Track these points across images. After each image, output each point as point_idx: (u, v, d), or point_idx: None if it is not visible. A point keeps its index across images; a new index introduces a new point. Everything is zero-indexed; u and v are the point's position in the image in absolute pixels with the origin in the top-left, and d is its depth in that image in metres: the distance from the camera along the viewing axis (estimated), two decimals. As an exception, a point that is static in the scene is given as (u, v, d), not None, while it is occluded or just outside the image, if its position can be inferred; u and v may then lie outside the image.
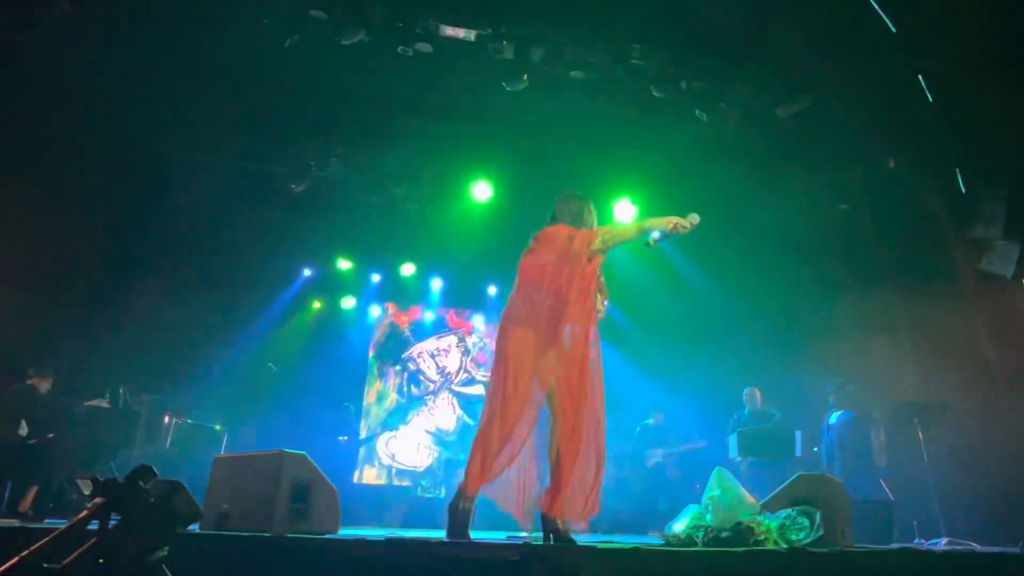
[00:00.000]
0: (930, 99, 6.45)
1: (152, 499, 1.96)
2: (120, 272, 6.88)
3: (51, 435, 4.78)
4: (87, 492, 2.14)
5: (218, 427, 6.29)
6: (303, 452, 3.36)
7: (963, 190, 6.27)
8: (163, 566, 1.98)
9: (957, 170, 6.33)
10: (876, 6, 6.38)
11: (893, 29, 6.34)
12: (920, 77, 6.49)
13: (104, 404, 5.29)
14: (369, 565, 2.31)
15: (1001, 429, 5.30)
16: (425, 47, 6.08)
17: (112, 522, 1.85)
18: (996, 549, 3.79)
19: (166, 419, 5.72)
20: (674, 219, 2.92)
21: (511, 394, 2.85)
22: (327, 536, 2.92)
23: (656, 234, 2.97)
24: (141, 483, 1.97)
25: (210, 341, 7.39)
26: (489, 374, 3.16)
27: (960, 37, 5.92)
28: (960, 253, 6.12)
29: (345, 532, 3.34)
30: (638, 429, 7.27)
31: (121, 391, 5.42)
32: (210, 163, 7.31)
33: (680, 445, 7.04)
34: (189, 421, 5.98)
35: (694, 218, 2.95)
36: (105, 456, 5.11)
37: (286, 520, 3.05)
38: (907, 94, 6.44)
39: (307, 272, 8.72)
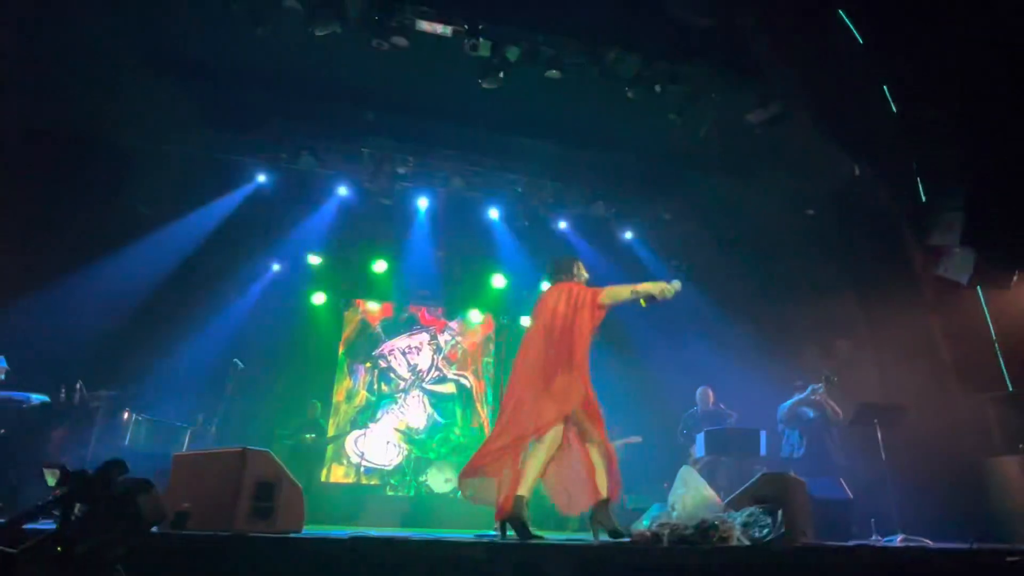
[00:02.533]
0: (894, 110, 6.66)
1: (120, 495, 1.91)
2: (78, 263, 6.64)
3: (2, 431, 4.60)
4: (52, 483, 2.07)
5: (181, 424, 6.12)
6: (267, 450, 3.30)
7: (923, 199, 6.49)
8: (119, 566, 1.92)
9: (918, 180, 6.55)
10: (845, 17, 6.56)
11: (861, 41, 6.53)
12: (885, 88, 6.70)
13: (60, 400, 5.11)
14: (333, 564, 2.28)
15: (955, 429, 5.50)
16: (401, 41, 6.01)
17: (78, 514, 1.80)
18: (948, 545, 3.92)
19: (125, 416, 5.54)
20: (662, 284, 3.50)
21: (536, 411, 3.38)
22: (291, 535, 2.86)
23: (647, 297, 3.52)
24: (111, 477, 1.91)
25: (174, 336, 7.18)
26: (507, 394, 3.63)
27: (923, 51, 6.13)
28: (919, 259, 6.33)
29: (310, 531, 3.29)
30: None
31: (78, 387, 5.24)
32: (176, 152, 7.11)
33: (616, 440, 7.13)
34: (150, 418, 5.80)
35: (677, 284, 3.52)
36: (59, 453, 4.93)
37: (248, 519, 2.98)
38: (872, 105, 6.65)
39: (276, 267, 8.55)
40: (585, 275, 3.89)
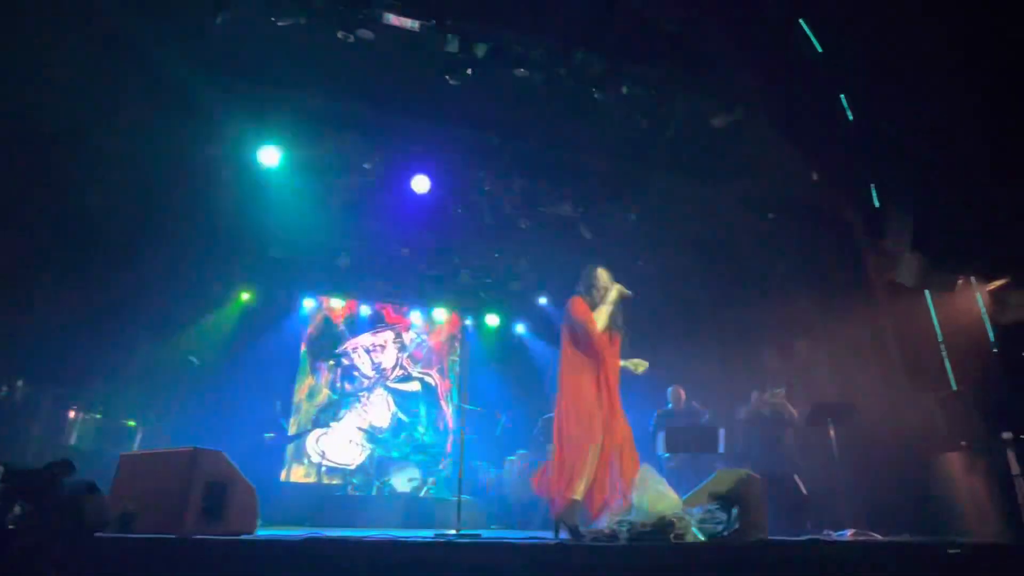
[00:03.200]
0: (851, 118, 6.88)
1: (64, 496, 1.84)
2: (24, 254, 6.32)
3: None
4: None
5: (132, 423, 5.90)
6: (220, 450, 3.20)
7: (877, 205, 6.73)
8: (53, 571, 1.84)
9: (872, 186, 6.79)
10: (805, 27, 6.74)
11: (819, 49, 6.72)
12: (842, 96, 6.91)
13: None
14: (284, 566, 2.21)
15: (903, 427, 5.70)
16: (367, 34, 5.91)
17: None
18: (893, 538, 4.07)
19: (71, 414, 5.31)
20: (619, 287, 4.00)
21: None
22: (241, 537, 2.78)
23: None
24: (56, 477, 1.84)
25: (126, 332, 6.90)
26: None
27: (879, 61, 6.34)
28: (872, 263, 6.56)
29: (263, 532, 3.20)
30: (539, 423, 7.39)
31: (19, 383, 5.00)
32: (128, 146, 6.82)
33: None
34: (98, 416, 5.57)
35: (625, 291, 4.00)
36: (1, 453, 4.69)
37: (198, 521, 2.89)
38: (831, 112, 6.85)
39: (236, 261, 8.31)
40: (599, 283, 4.03)
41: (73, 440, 5.35)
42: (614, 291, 3.98)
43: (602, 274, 4.09)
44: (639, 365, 4.01)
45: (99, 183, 6.57)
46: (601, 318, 3.87)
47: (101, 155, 6.48)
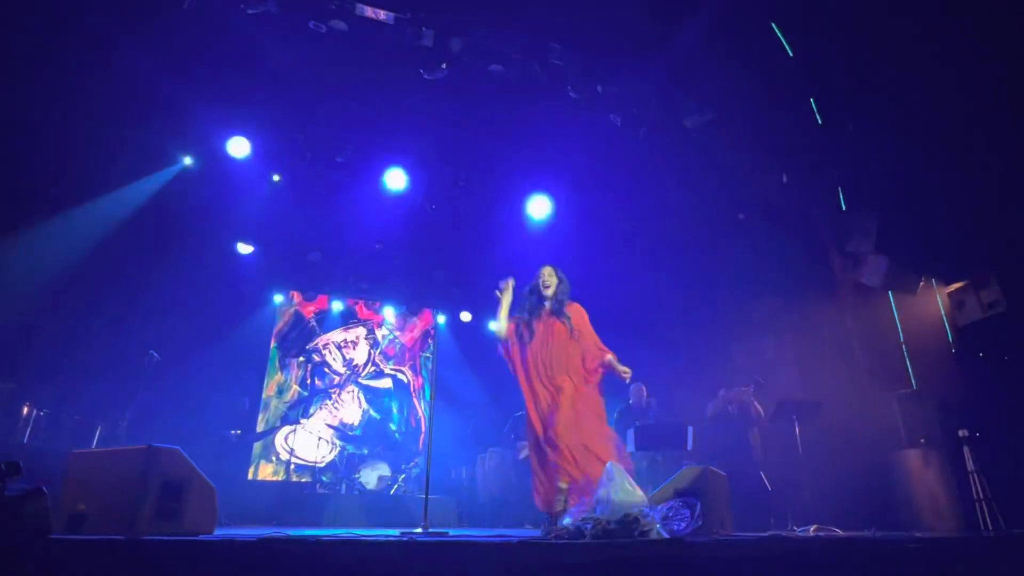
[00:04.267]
0: (819, 122, 7.01)
1: (7, 498, 1.76)
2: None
3: None
4: None
5: (89, 421, 5.70)
6: (182, 448, 3.11)
7: (843, 208, 6.88)
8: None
9: (839, 189, 6.93)
10: (777, 31, 6.85)
11: (791, 53, 6.83)
12: (812, 101, 7.04)
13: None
14: (239, 568, 2.15)
15: (865, 424, 5.84)
16: (340, 25, 5.82)
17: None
18: (854, 533, 4.15)
19: (25, 410, 5.11)
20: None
21: None
22: (198, 538, 2.70)
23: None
24: (2, 478, 1.75)
25: (85, 325, 6.67)
26: None
27: (848, 66, 6.47)
28: (838, 265, 6.70)
29: (223, 532, 3.12)
30: (510, 421, 7.39)
31: (-31, 379, 4.80)
32: (94, 128, 6.59)
33: None
34: (53, 413, 5.37)
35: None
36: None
37: (152, 521, 2.80)
38: (800, 116, 6.97)
39: (205, 256, 8.09)
40: (544, 282, 3.97)
41: (26, 438, 5.15)
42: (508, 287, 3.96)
43: (542, 272, 4.04)
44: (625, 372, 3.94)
45: (61, 175, 6.34)
46: (500, 317, 3.91)
47: (61, 144, 6.25)
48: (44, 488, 1.93)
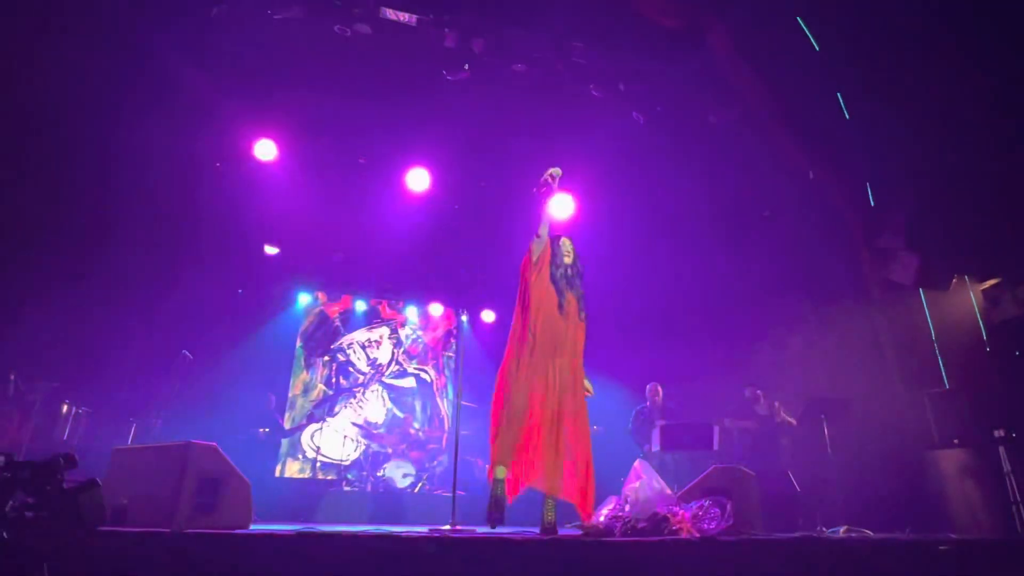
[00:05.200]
0: (847, 116, 6.89)
1: (64, 491, 1.83)
2: (16, 247, 6.27)
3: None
4: None
5: (125, 418, 5.86)
6: (214, 443, 3.19)
7: (872, 203, 6.75)
8: (44, 564, 1.84)
9: (867, 185, 6.81)
10: (803, 24, 6.75)
11: (816, 47, 6.72)
12: (839, 95, 6.92)
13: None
14: (277, 561, 2.21)
15: (896, 424, 5.73)
16: (364, 28, 5.89)
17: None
18: (887, 535, 4.09)
19: (64, 408, 5.28)
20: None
21: None
22: (235, 532, 2.77)
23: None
24: (57, 471, 1.82)
25: (120, 326, 6.86)
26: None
27: (875, 61, 6.35)
28: (868, 261, 6.58)
29: (257, 527, 3.19)
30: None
31: (12, 377, 4.97)
32: (127, 138, 6.77)
33: None
34: (91, 411, 5.54)
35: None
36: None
37: (191, 515, 2.88)
38: (827, 110, 6.86)
39: (233, 257, 8.25)
40: (565, 251, 3.82)
41: (66, 435, 5.32)
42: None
43: (565, 243, 3.88)
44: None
45: (98, 177, 6.53)
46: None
47: (95, 148, 6.43)
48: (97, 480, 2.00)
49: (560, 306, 3.61)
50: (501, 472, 3.29)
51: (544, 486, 3.32)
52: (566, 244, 3.86)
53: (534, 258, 3.71)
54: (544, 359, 3.48)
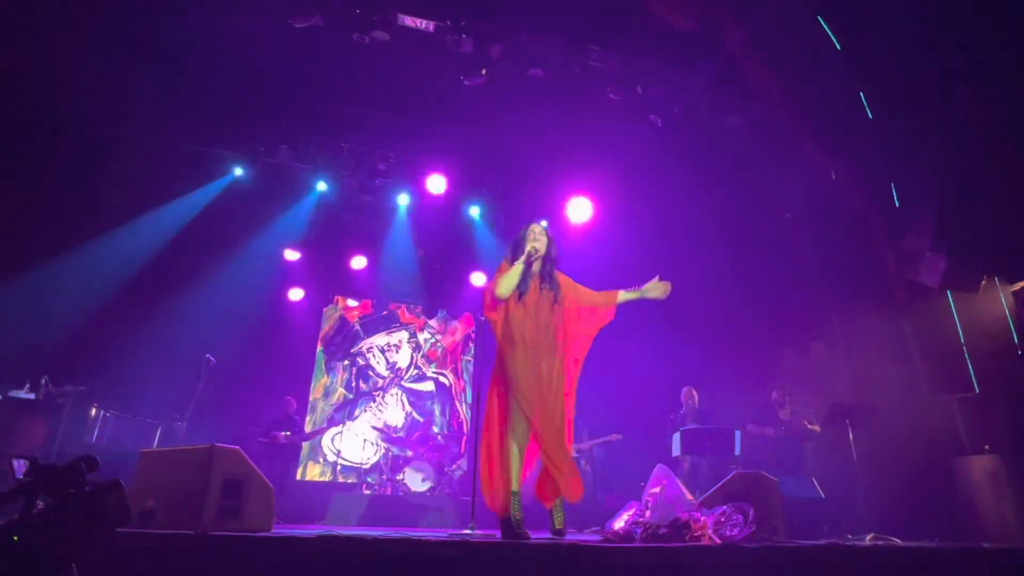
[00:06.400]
0: (870, 116, 6.77)
1: (88, 492, 1.86)
2: (46, 254, 6.45)
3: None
4: (21, 474, 2.01)
5: (151, 421, 5.99)
6: (237, 447, 3.23)
7: (896, 204, 6.61)
8: (73, 565, 1.87)
9: (892, 185, 6.67)
10: (824, 24, 6.65)
11: (838, 47, 6.63)
12: (861, 94, 6.81)
13: (24, 395, 4.98)
14: (300, 564, 2.23)
15: (924, 429, 5.60)
16: (382, 36, 5.95)
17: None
18: (915, 543, 3.99)
19: (92, 411, 5.40)
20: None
21: None
22: (258, 535, 2.81)
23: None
24: (81, 473, 1.86)
25: (145, 331, 7.01)
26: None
27: (898, 59, 6.24)
28: (892, 263, 6.44)
29: (280, 530, 3.23)
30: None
31: (43, 381, 5.10)
32: (150, 143, 6.94)
33: (587, 441, 7.14)
34: (118, 414, 5.66)
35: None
36: (26, 449, 4.79)
37: (215, 518, 2.92)
38: (849, 110, 6.75)
39: (254, 260, 8.39)
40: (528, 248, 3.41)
41: (94, 437, 5.44)
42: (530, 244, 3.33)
43: (534, 229, 3.49)
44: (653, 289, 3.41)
45: (127, 191, 6.69)
46: (509, 277, 3.25)
47: (131, 160, 6.60)
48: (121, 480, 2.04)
49: (520, 296, 3.32)
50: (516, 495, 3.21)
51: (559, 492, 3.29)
52: (535, 230, 3.54)
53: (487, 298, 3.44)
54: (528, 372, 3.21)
